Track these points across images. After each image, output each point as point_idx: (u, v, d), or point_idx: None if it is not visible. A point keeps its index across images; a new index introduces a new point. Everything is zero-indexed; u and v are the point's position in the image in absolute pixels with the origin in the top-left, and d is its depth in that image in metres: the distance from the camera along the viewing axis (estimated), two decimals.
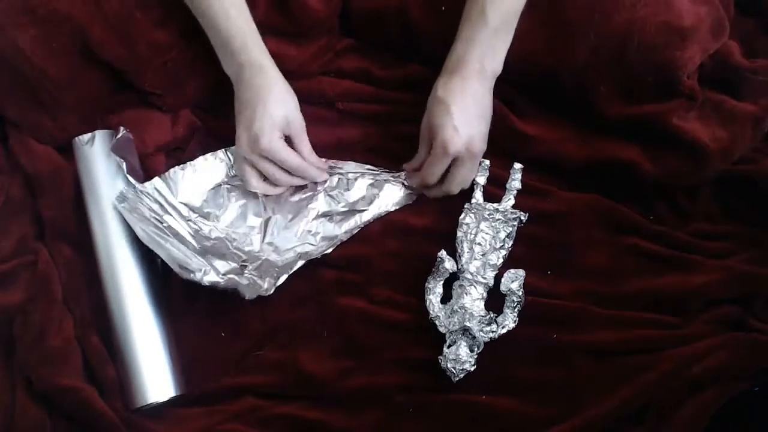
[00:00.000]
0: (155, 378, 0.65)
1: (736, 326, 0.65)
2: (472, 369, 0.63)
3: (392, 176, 0.73)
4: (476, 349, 0.64)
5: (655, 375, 0.63)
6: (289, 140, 0.69)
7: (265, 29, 0.74)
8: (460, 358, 0.63)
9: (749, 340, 0.62)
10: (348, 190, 0.73)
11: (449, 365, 0.63)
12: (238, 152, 0.69)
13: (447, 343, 0.65)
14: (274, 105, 0.67)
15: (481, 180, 0.72)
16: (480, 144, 0.67)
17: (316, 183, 0.73)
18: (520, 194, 0.71)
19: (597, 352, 0.65)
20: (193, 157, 0.75)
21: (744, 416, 0.62)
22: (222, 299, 0.70)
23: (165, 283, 0.70)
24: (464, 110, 0.65)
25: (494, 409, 0.64)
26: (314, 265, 0.70)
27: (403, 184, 0.73)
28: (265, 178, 0.71)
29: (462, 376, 0.63)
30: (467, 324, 0.65)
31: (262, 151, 0.67)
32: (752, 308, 0.65)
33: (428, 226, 0.71)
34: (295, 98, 0.70)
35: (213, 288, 0.65)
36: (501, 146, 0.74)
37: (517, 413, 0.64)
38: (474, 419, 0.64)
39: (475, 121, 0.66)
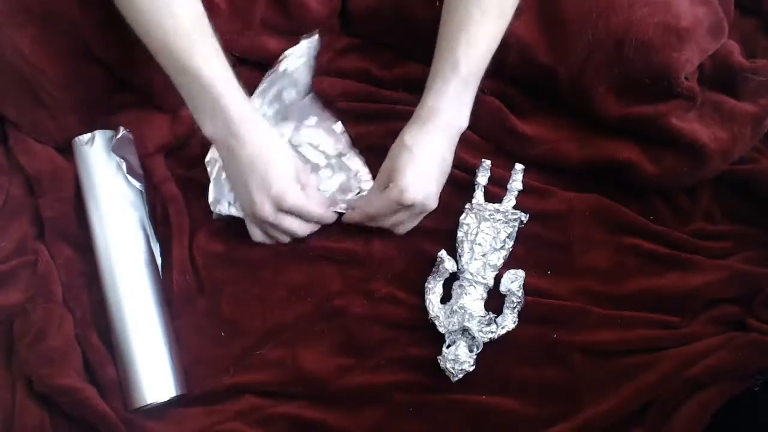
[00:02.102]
0: (155, 378, 0.65)
1: (736, 326, 0.65)
2: (471, 369, 0.63)
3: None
4: (475, 349, 0.64)
5: (655, 375, 0.63)
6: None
7: (264, 28, 0.75)
8: (459, 358, 0.63)
9: (749, 340, 0.62)
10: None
11: (448, 365, 0.63)
12: (258, 217, 0.66)
13: (446, 343, 0.65)
14: (283, 158, 0.66)
15: (482, 180, 0.72)
16: (434, 202, 0.67)
17: None
18: (520, 194, 0.71)
19: (597, 352, 0.65)
20: (193, 157, 0.75)
21: (744, 416, 0.62)
22: (222, 299, 0.70)
23: (165, 283, 0.70)
24: (428, 164, 0.65)
25: (494, 409, 0.64)
26: (314, 263, 0.70)
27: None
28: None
29: (461, 376, 0.63)
30: (467, 324, 0.65)
31: (290, 209, 0.65)
32: (752, 308, 0.65)
33: (429, 225, 0.71)
34: (285, 143, 0.69)
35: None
36: (501, 146, 0.74)
37: (517, 413, 0.64)
38: (474, 419, 0.64)
39: (436, 178, 0.66)
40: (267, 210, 0.65)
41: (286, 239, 0.70)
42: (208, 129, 0.65)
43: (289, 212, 0.66)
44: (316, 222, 0.69)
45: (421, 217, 0.69)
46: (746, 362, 0.62)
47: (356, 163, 0.74)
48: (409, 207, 0.66)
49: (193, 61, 0.62)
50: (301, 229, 0.68)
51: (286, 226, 0.67)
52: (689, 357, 0.63)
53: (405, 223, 0.69)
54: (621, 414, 0.62)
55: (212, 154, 0.72)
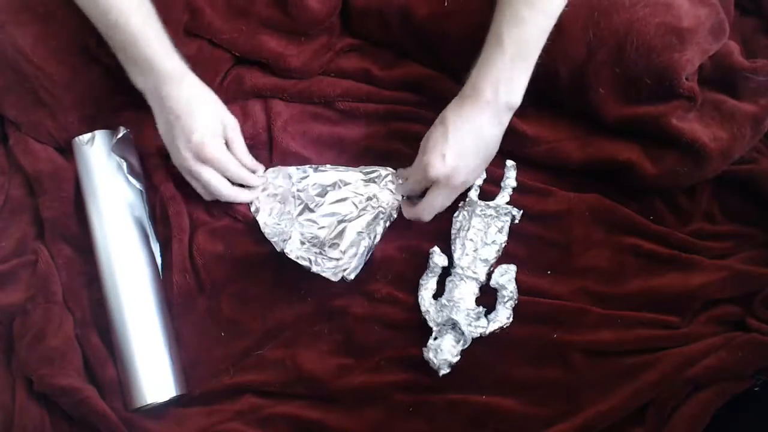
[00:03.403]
0: (155, 378, 0.65)
1: (736, 326, 0.65)
2: (455, 360, 0.63)
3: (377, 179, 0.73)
4: (462, 343, 0.64)
5: (655, 375, 0.63)
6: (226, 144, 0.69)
7: (264, 27, 0.74)
8: (442, 348, 0.63)
9: (749, 340, 0.62)
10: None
11: (431, 355, 0.63)
12: (179, 166, 0.68)
13: (433, 335, 0.65)
14: (209, 112, 0.67)
15: (478, 180, 0.72)
16: (463, 178, 0.66)
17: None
18: (520, 194, 0.71)
19: (597, 352, 0.65)
20: None
21: (744, 416, 0.62)
22: (222, 299, 0.70)
23: (165, 283, 0.70)
24: (461, 141, 0.64)
25: (494, 408, 0.64)
26: None
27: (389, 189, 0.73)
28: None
29: (446, 368, 0.63)
30: (454, 317, 0.64)
31: (207, 160, 0.67)
32: (752, 308, 0.65)
33: (428, 226, 0.71)
34: (219, 99, 0.69)
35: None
36: (501, 146, 0.74)
37: (517, 413, 0.64)
38: (474, 419, 0.64)
39: (470, 155, 0.65)
40: (187, 158, 0.66)
41: (207, 196, 0.70)
42: (139, 82, 0.67)
43: (208, 164, 0.67)
44: (236, 181, 0.70)
45: (454, 195, 0.69)
46: (746, 362, 0.62)
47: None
48: (442, 185, 0.66)
49: (121, 16, 0.64)
50: (220, 184, 0.69)
51: (205, 179, 0.68)
52: (689, 357, 0.63)
53: (433, 200, 0.68)
54: (621, 414, 0.62)
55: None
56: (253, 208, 0.72)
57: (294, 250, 0.66)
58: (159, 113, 0.68)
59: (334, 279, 0.66)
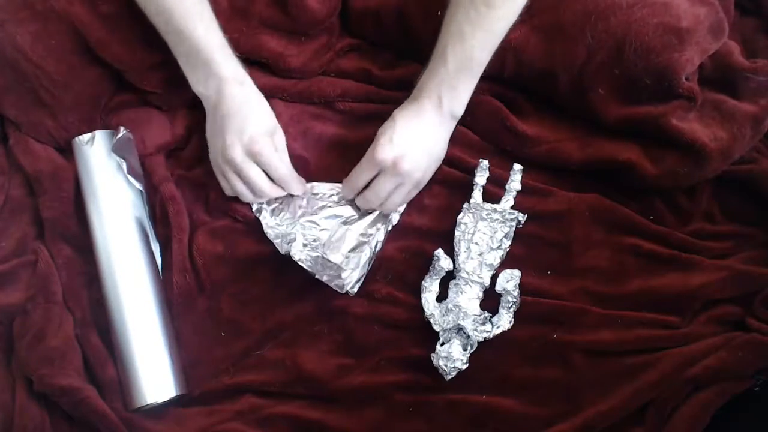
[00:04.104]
0: (155, 378, 0.65)
1: (736, 326, 0.65)
2: (464, 367, 0.63)
3: None
4: (469, 348, 0.64)
5: (655, 375, 0.63)
6: None
7: (264, 27, 0.74)
8: (452, 356, 0.63)
9: (749, 340, 0.62)
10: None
11: (441, 363, 0.63)
12: (225, 159, 0.68)
13: (440, 341, 0.65)
14: (265, 113, 0.69)
15: (481, 180, 0.72)
16: (408, 166, 0.66)
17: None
18: (520, 194, 0.71)
19: (597, 352, 0.66)
20: (193, 157, 0.75)
21: (744, 416, 0.62)
22: (222, 299, 0.70)
23: (165, 283, 0.70)
24: (409, 131, 0.66)
25: (494, 408, 0.64)
26: None
27: None
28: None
29: (454, 374, 0.63)
30: (461, 323, 0.65)
31: (256, 154, 0.67)
32: (752, 308, 0.65)
33: (428, 225, 0.71)
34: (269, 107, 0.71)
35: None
36: (501, 146, 0.74)
37: (517, 413, 0.64)
38: (474, 419, 0.64)
39: (417, 147, 0.66)
40: (236, 151, 0.67)
41: (248, 196, 0.70)
42: (199, 88, 0.69)
43: (256, 161, 0.68)
44: (279, 182, 0.70)
45: (409, 192, 0.69)
46: (746, 362, 0.62)
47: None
48: (389, 170, 0.66)
49: (186, 24, 0.66)
50: (263, 184, 0.69)
51: (251, 175, 0.68)
52: (689, 357, 0.63)
53: (380, 187, 0.68)
54: (621, 414, 0.62)
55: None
56: (255, 208, 0.72)
57: (298, 253, 0.66)
58: (212, 114, 0.69)
59: (339, 291, 0.67)
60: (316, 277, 0.66)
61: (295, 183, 0.71)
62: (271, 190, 0.70)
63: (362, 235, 0.70)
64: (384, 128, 0.67)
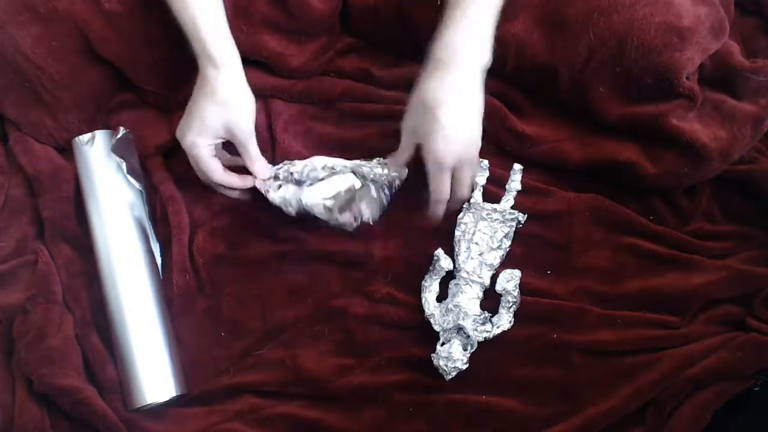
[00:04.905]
0: (155, 378, 0.65)
1: (736, 326, 0.66)
2: (465, 367, 0.64)
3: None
4: (469, 348, 0.64)
5: (655, 375, 0.63)
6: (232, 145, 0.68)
7: (265, 27, 0.74)
8: (452, 356, 0.63)
9: (749, 340, 0.63)
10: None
11: (441, 363, 0.63)
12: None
13: (440, 341, 0.65)
14: (213, 109, 0.65)
15: (481, 180, 0.72)
16: (475, 149, 0.63)
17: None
18: (520, 194, 0.71)
19: (597, 352, 0.66)
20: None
21: (744, 416, 0.62)
22: (222, 299, 0.70)
23: (165, 283, 0.70)
24: (453, 114, 0.61)
25: (494, 408, 0.64)
26: (314, 264, 0.70)
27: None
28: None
29: (454, 374, 0.64)
30: (461, 323, 0.65)
31: (193, 158, 0.67)
32: (752, 308, 0.65)
33: (428, 225, 0.71)
34: (249, 101, 0.66)
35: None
36: (501, 146, 0.74)
37: (517, 413, 0.64)
38: (474, 419, 0.64)
39: (466, 124, 0.62)
40: (185, 142, 0.66)
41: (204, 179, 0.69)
42: (199, 65, 0.66)
43: (195, 164, 0.67)
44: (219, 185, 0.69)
45: (476, 164, 0.66)
46: (746, 362, 0.62)
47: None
48: (456, 165, 0.63)
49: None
50: (202, 176, 0.68)
51: (192, 164, 0.68)
52: (689, 357, 0.63)
53: (466, 178, 0.65)
54: (621, 414, 0.62)
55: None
56: (263, 189, 0.70)
57: (307, 198, 0.66)
58: (194, 90, 0.67)
59: (356, 225, 0.66)
60: (332, 224, 0.66)
61: (232, 188, 0.69)
62: (207, 180, 0.69)
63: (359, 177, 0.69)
64: (426, 123, 0.62)
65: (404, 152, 0.67)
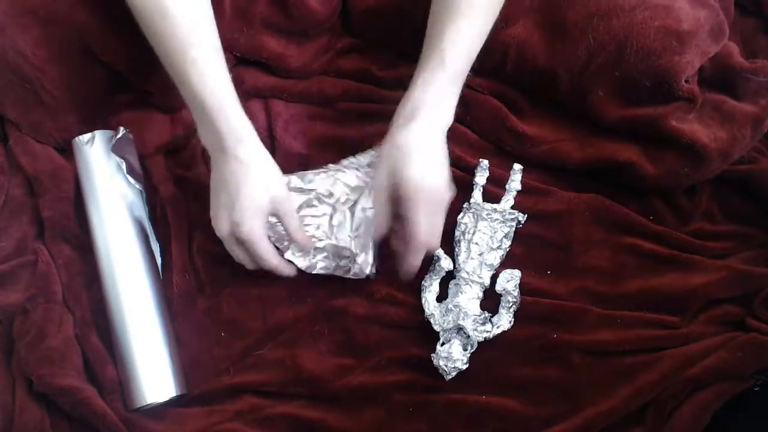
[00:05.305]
0: (155, 378, 0.65)
1: (736, 326, 0.65)
2: (465, 367, 0.64)
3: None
4: (469, 348, 0.64)
5: (655, 375, 0.63)
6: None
7: (265, 28, 0.74)
8: (452, 356, 0.63)
9: (749, 340, 0.62)
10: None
11: (441, 363, 0.63)
12: (214, 227, 0.64)
13: (440, 341, 0.65)
14: (258, 185, 0.62)
15: (481, 180, 0.72)
16: (446, 192, 0.63)
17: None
18: (520, 194, 0.71)
19: (597, 352, 0.66)
20: (193, 158, 0.74)
21: (744, 416, 0.62)
22: (222, 299, 0.70)
23: (165, 283, 0.70)
24: (428, 158, 0.61)
25: (494, 408, 0.64)
26: None
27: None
28: None
29: (454, 374, 0.64)
30: (461, 323, 0.65)
31: (242, 240, 0.63)
32: (752, 308, 0.65)
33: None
34: (279, 170, 0.64)
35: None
36: (501, 146, 0.74)
37: (517, 413, 0.64)
38: (474, 419, 0.64)
39: (440, 168, 0.63)
40: (223, 229, 0.63)
41: (242, 262, 0.67)
42: (205, 139, 0.64)
43: (242, 246, 0.64)
44: (267, 270, 0.66)
45: (443, 212, 0.65)
46: (746, 362, 0.62)
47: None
48: (425, 203, 0.61)
49: (188, 69, 0.61)
50: (248, 263, 0.66)
51: (235, 253, 0.65)
52: (689, 357, 0.63)
53: (433, 227, 0.63)
54: (621, 414, 0.62)
55: None
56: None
57: (312, 262, 0.68)
58: (214, 173, 0.64)
59: (360, 277, 0.67)
60: (336, 273, 0.67)
61: (280, 268, 0.66)
62: (255, 267, 0.66)
63: (362, 210, 0.69)
64: (402, 165, 0.61)
65: (380, 214, 0.65)
